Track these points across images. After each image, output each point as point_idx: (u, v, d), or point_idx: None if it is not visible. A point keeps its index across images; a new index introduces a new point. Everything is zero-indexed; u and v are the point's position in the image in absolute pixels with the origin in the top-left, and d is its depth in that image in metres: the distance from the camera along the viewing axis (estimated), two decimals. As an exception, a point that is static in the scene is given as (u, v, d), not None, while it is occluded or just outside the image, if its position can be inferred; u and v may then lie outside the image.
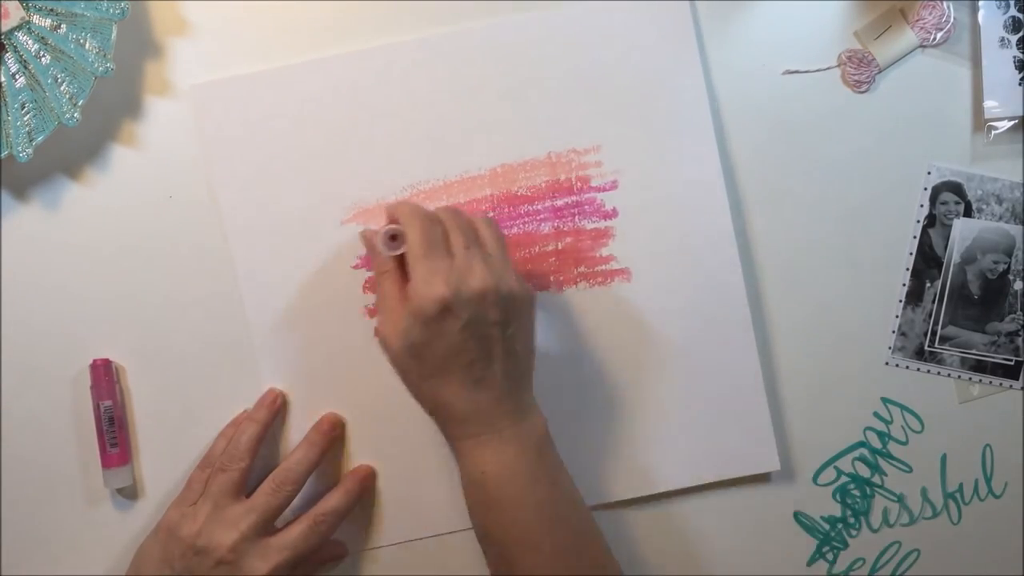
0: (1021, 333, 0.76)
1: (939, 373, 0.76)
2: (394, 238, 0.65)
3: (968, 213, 0.75)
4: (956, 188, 0.75)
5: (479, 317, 0.62)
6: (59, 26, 0.69)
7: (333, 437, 0.73)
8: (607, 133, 0.73)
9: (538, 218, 0.74)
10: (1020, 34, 0.73)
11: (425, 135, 0.73)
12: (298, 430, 0.74)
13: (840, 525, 0.77)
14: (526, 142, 0.74)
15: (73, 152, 0.73)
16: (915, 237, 0.75)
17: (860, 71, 0.74)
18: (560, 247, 0.74)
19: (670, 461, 0.75)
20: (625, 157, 0.74)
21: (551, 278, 0.74)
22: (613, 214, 0.74)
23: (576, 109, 0.73)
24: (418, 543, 0.76)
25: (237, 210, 0.73)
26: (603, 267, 0.74)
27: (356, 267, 0.74)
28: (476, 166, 0.74)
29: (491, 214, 0.73)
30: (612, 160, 0.74)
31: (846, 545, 0.78)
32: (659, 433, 0.75)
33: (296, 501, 0.72)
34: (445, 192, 0.73)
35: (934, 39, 0.74)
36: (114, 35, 0.69)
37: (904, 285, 0.76)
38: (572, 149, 0.74)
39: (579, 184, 0.74)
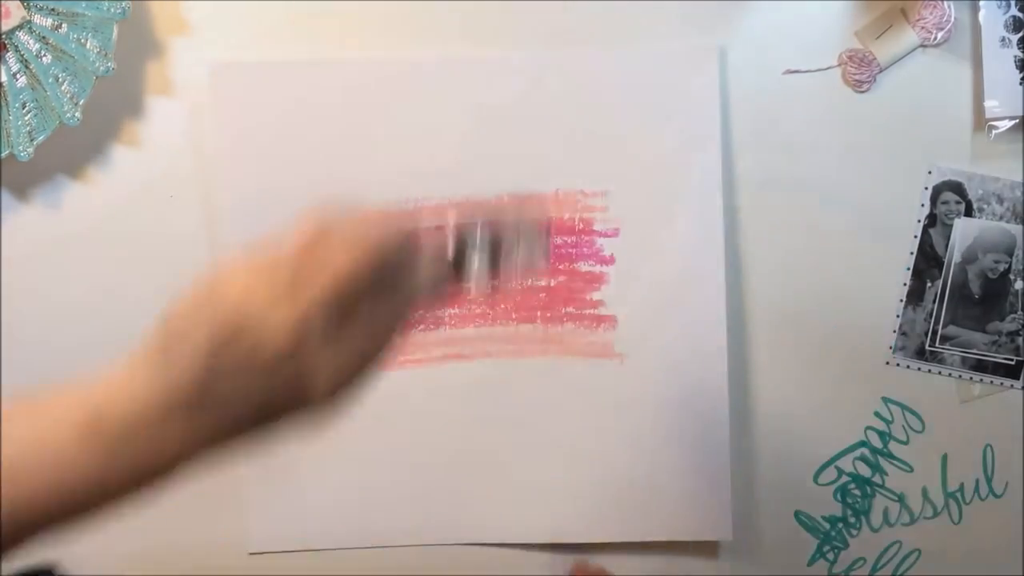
0: (1022, 333, 0.76)
1: (940, 372, 0.76)
2: None
3: (969, 213, 0.75)
4: (957, 187, 0.75)
5: None
6: (60, 25, 0.69)
7: None
8: (617, 180, 0.73)
9: None
10: (1021, 33, 0.73)
11: (436, 152, 0.73)
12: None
13: (841, 525, 0.77)
14: (536, 175, 0.73)
15: (74, 151, 0.73)
16: (916, 236, 0.75)
17: (861, 71, 0.74)
18: (552, 284, 0.74)
19: (622, 510, 0.75)
20: (631, 207, 0.74)
21: (538, 313, 0.74)
22: (610, 260, 0.74)
23: (591, 150, 0.73)
24: (405, 549, 0.76)
25: (236, 196, 0.73)
26: (591, 311, 0.74)
27: None
28: (482, 191, 0.73)
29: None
30: (618, 207, 0.74)
31: (847, 545, 0.78)
32: (619, 482, 0.75)
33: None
34: (448, 211, 0.73)
35: (935, 39, 0.73)
36: (115, 35, 0.69)
37: (905, 284, 0.76)
38: (580, 190, 0.74)
39: (581, 225, 0.74)
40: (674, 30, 0.73)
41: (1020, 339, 0.76)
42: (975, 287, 0.75)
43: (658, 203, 0.73)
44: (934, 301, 0.76)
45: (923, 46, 0.74)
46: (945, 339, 0.76)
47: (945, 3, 0.73)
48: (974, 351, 0.76)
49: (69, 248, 0.74)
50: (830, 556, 0.78)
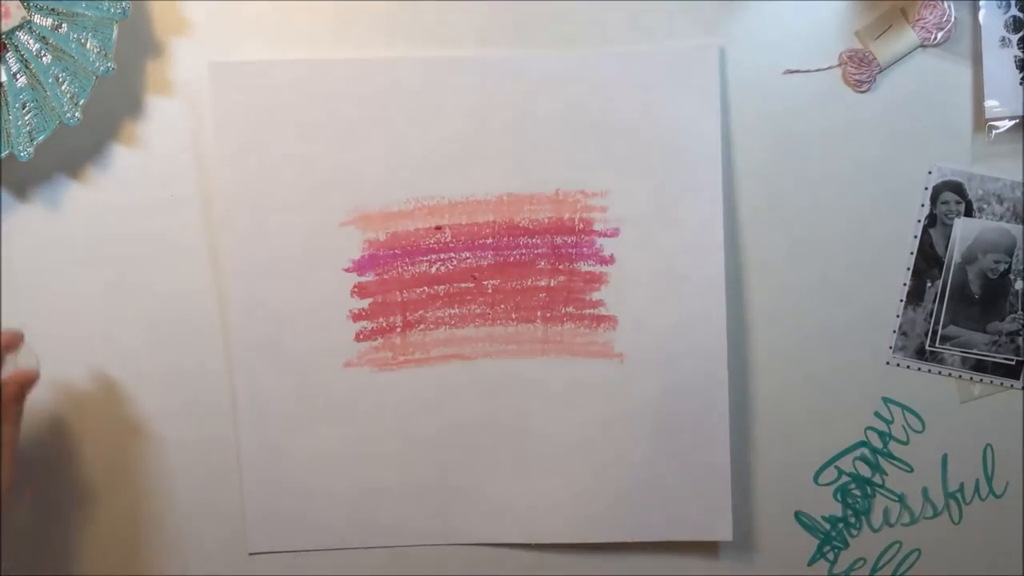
0: (1022, 333, 0.76)
1: (940, 373, 0.76)
2: None
3: (969, 213, 0.75)
4: (957, 187, 0.75)
5: None
6: (60, 25, 0.69)
7: (24, 395, 0.68)
8: (618, 180, 0.73)
9: (535, 252, 0.74)
10: (1021, 33, 0.73)
11: (438, 151, 0.73)
12: (266, 425, 0.74)
13: (841, 525, 0.77)
14: (537, 175, 0.73)
15: (74, 151, 0.73)
16: (916, 237, 0.75)
17: (861, 70, 0.74)
18: (552, 284, 0.74)
19: (622, 510, 0.75)
20: (631, 207, 0.74)
21: (538, 313, 0.74)
22: (610, 261, 0.74)
23: (592, 151, 0.73)
24: (405, 549, 0.76)
25: (237, 194, 0.73)
26: (591, 311, 0.74)
27: (347, 270, 0.74)
28: (483, 191, 0.74)
29: (490, 240, 0.74)
30: (618, 207, 0.74)
31: (847, 545, 0.78)
32: (619, 482, 0.75)
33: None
34: (448, 211, 0.73)
35: (935, 38, 0.73)
36: (115, 34, 0.69)
37: (905, 285, 0.76)
38: (581, 190, 0.74)
39: (582, 225, 0.74)
40: (674, 30, 0.73)
41: (1020, 339, 0.76)
42: (975, 287, 0.75)
43: (658, 203, 0.74)
44: (934, 301, 0.76)
45: (923, 46, 0.74)
46: (945, 339, 0.76)
47: (945, 3, 0.73)
48: (974, 351, 0.76)
49: (69, 248, 0.74)
50: (830, 556, 0.78)
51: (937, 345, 0.76)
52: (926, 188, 0.75)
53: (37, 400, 0.75)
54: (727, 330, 0.74)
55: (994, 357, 0.76)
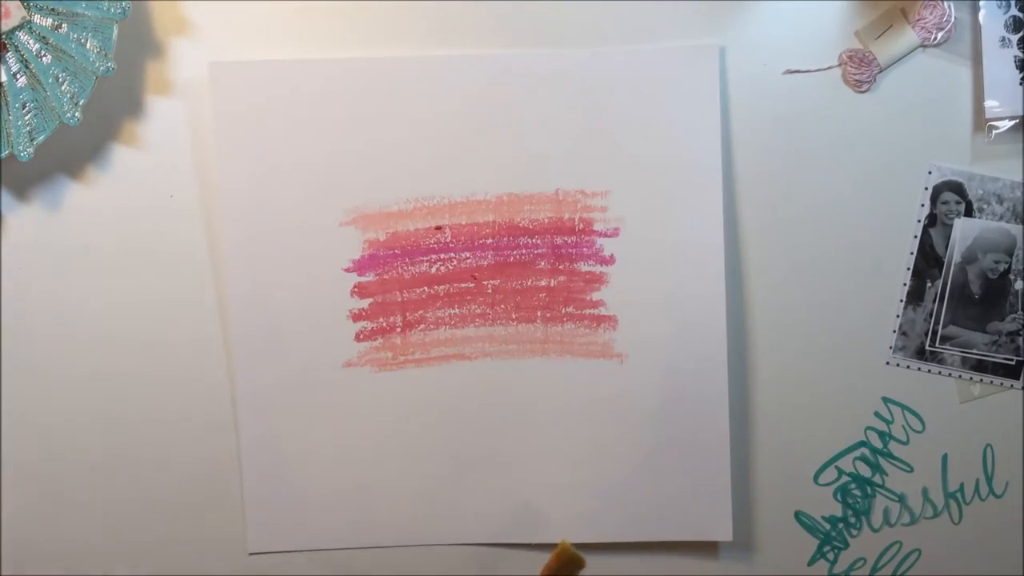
0: (1022, 333, 0.76)
1: (940, 373, 0.76)
2: None
3: (969, 213, 0.75)
4: (957, 187, 0.75)
5: None
6: (60, 25, 0.69)
7: None
8: (618, 180, 0.73)
9: (536, 252, 0.74)
10: (1021, 34, 0.73)
11: (438, 151, 0.73)
12: (267, 426, 0.74)
13: (841, 525, 0.77)
14: (537, 175, 0.73)
15: (74, 152, 0.73)
16: (916, 237, 0.75)
17: (861, 71, 0.74)
18: (552, 284, 0.74)
19: (622, 510, 0.75)
20: (631, 207, 0.74)
21: (538, 313, 0.74)
22: (610, 261, 0.74)
23: (592, 150, 0.73)
24: (405, 549, 0.76)
25: (237, 194, 0.73)
26: (591, 311, 0.74)
27: (347, 270, 0.74)
28: (483, 191, 0.74)
29: (490, 240, 0.74)
30: (618, 207, 0.74)
31: (847, 545, 0.78)
32: (619, 482, 0.75)
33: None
34: (448, 211, 0.73)
35: (935, 39, 0.73)
36: (115, 35, 0.69)
37: (905, 285, 0.76)
38: (581, 190, 0.74)
39: (582, 225, 0.74)
40: (674, 30, 0.73)
41: (1020, 339, 0.76)
42: (975, 287, 0.75)
43: (658, 203, 0.74)
44: (934, 301, 0.76)
45: (923, 46, 0.74)
46: (945, 339, 0.76)
47: (945, 3, 0.73)
48: (974, 351, 0.76)
49: (69, 248, 0.74)
50: (830, 556, 0.78)
51: (937, 345, 0.76)
52: (926, 188, 0.75)
53: (37, 400, 0.75)
54: (727, 330, 0.74)
55: (994, 357, 0.76)
